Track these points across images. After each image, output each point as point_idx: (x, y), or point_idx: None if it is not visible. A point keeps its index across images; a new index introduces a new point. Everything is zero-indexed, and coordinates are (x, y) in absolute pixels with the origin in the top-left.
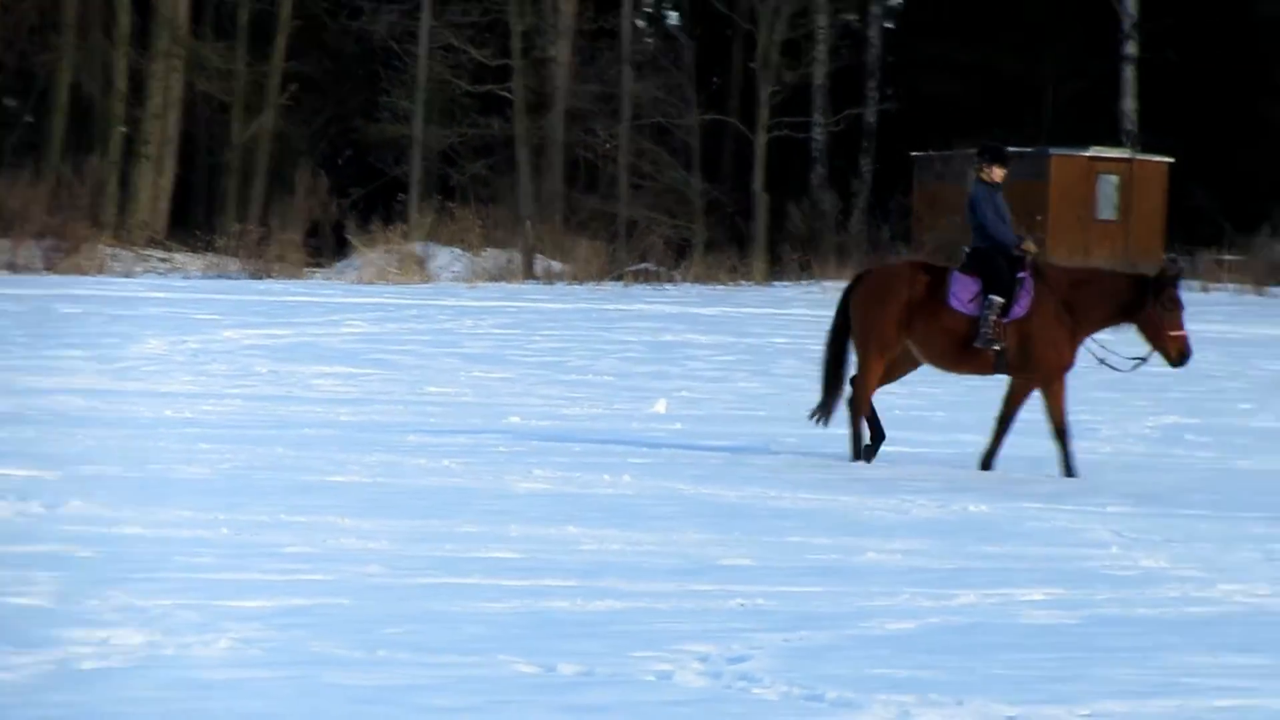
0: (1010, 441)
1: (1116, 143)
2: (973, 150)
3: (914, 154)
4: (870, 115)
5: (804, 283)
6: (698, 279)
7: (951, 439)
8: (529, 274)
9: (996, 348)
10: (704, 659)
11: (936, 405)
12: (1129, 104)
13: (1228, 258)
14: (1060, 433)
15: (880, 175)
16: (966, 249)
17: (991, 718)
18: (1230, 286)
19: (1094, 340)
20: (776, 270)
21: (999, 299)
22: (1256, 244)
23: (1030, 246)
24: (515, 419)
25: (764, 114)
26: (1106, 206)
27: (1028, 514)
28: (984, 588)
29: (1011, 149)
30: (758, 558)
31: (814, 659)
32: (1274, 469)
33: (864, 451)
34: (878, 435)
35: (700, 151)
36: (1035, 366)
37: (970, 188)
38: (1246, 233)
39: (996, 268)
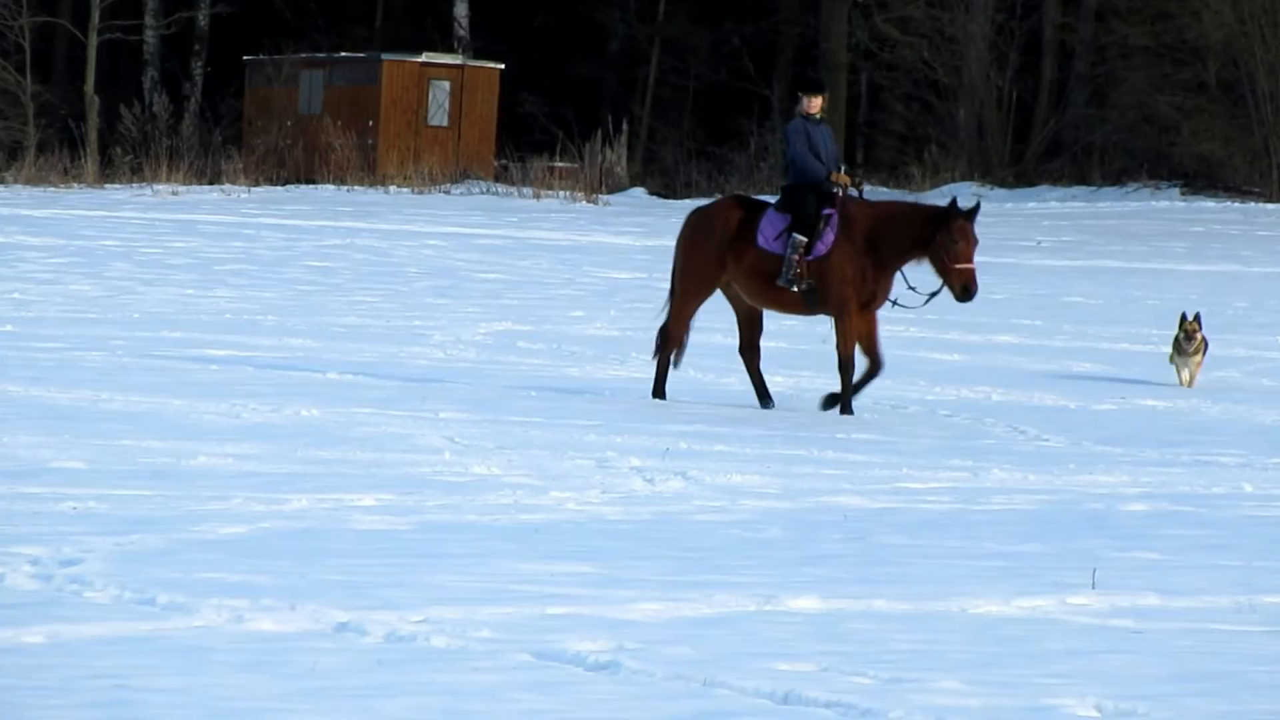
0: (340, 348)
1: (449, 49)
2: (304, 54)
3: (245, 58)
4: (203, 18)
5: (135, 185)
6: (29, 181)
7: (282, 343)
8: None
9: (798, 288)
10: (35, 561)
11: (268, 309)
12: (461, 10)
13: (560, 165)
14: (843, 369)
15: (212, 78)
16: (784, 184)
17: (324, 623)
18: (562, 194)
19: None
20: (108, 173)
21: (801, 238)
22: (588, 151)
23: (843, 178)
24: None
25: (96, 16)
26: (438, 112)
27: (359, 419)
28: (316, 492)
29: (344, 54)
30: (89, 460)
31: (146, 562)
32: (603, 377)
33: (761, 399)
34: (763, 393)
35: (31, 53)
36: (826, 300)
37: (789, 122)
38: (579, 140)
39: (803, 204)
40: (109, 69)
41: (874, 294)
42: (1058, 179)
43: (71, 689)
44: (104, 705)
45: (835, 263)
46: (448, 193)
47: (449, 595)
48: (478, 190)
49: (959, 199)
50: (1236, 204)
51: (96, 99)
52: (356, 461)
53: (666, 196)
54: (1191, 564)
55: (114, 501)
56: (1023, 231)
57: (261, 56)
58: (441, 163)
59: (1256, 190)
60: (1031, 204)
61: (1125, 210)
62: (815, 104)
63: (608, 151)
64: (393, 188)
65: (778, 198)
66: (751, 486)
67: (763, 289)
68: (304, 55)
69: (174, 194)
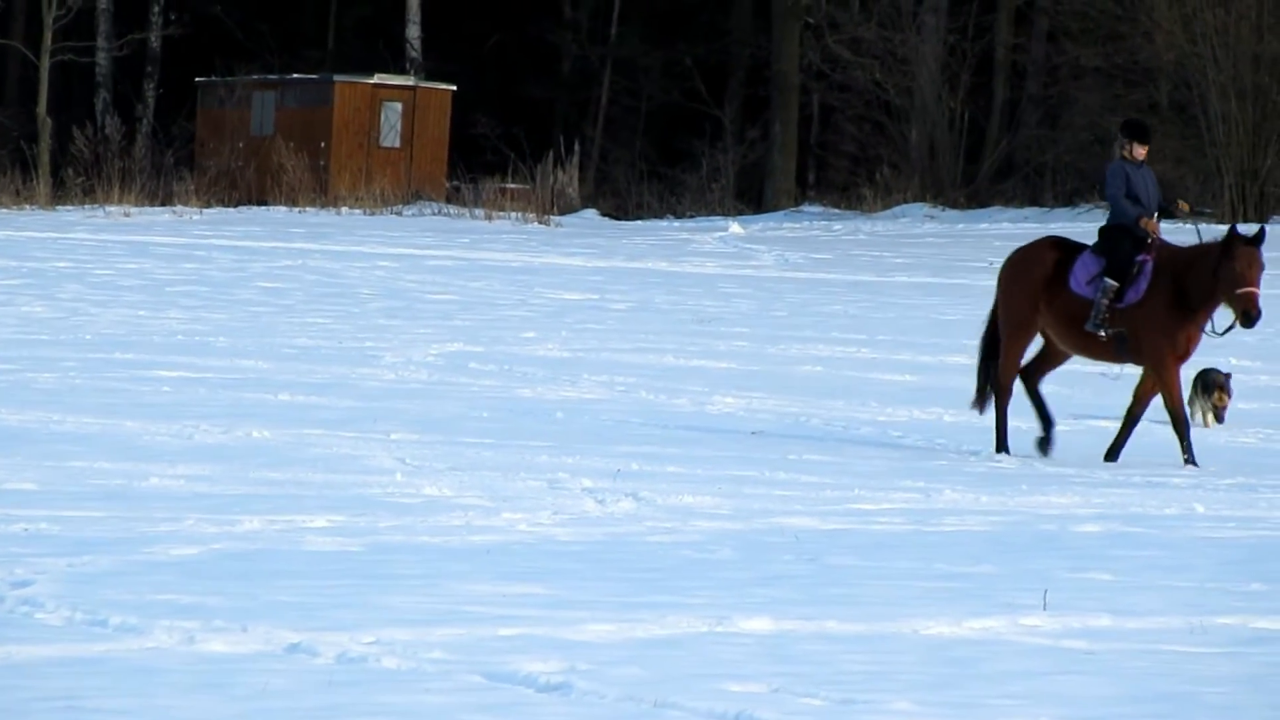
0: (291, 369)
1: (401, 70)
2: (256, 76)
3: (198, 79)
4: (155, 40)
5: (88, 207)
6: None
7: (234, 364)
8: None
9: (1104, 334)
10: None
11: (220, 330)
12: (413, 31)
13: (512, 186)
14: (1177, 422)
15: (164, 100)
16: (1102, 226)
17: (276, 644)
18: (514, 215)
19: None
20: (60, 194)
21: (1113, 283)
22: (540, 172)
23: (1153, 227)
24: None
25: (48, 38)
26: (390, 134)
27: (311, 440)
28: (268, 514)
29: (296, 76)
30: (41, 482)
31: (98, 584)
32: (556, 398)
33: (1038, 443)
34: (1046, 422)
35: None
36: (1138, 351)
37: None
38: (530, 161)
39: (1118, 248)
40: (61, 91)
41: (1189, 344)
42: (1010, 200)
43: (23, 710)
44: None
45: (1147, 313)
46: (399, 214)
47: (400, 616)
48: (429, 211)
49: (1239, 227)
50: (1189, 225)
51: (49, 120)
52: (308, 483)
53: (618, 218)
54: (1144, 585)
55: (65, 523)
56: (975, 253)
57: (214, 78)
58: (393, 184)
59: (1209, 211)
60: (984, 225)
61: (1077, 231)
62: (1141, 152)
63: (559, 173)
64: (344, 209)
65: (1095, 239)
66: (703, 507)
67: (1073, 334)
68: (256, 77)
69: (126, 215)
